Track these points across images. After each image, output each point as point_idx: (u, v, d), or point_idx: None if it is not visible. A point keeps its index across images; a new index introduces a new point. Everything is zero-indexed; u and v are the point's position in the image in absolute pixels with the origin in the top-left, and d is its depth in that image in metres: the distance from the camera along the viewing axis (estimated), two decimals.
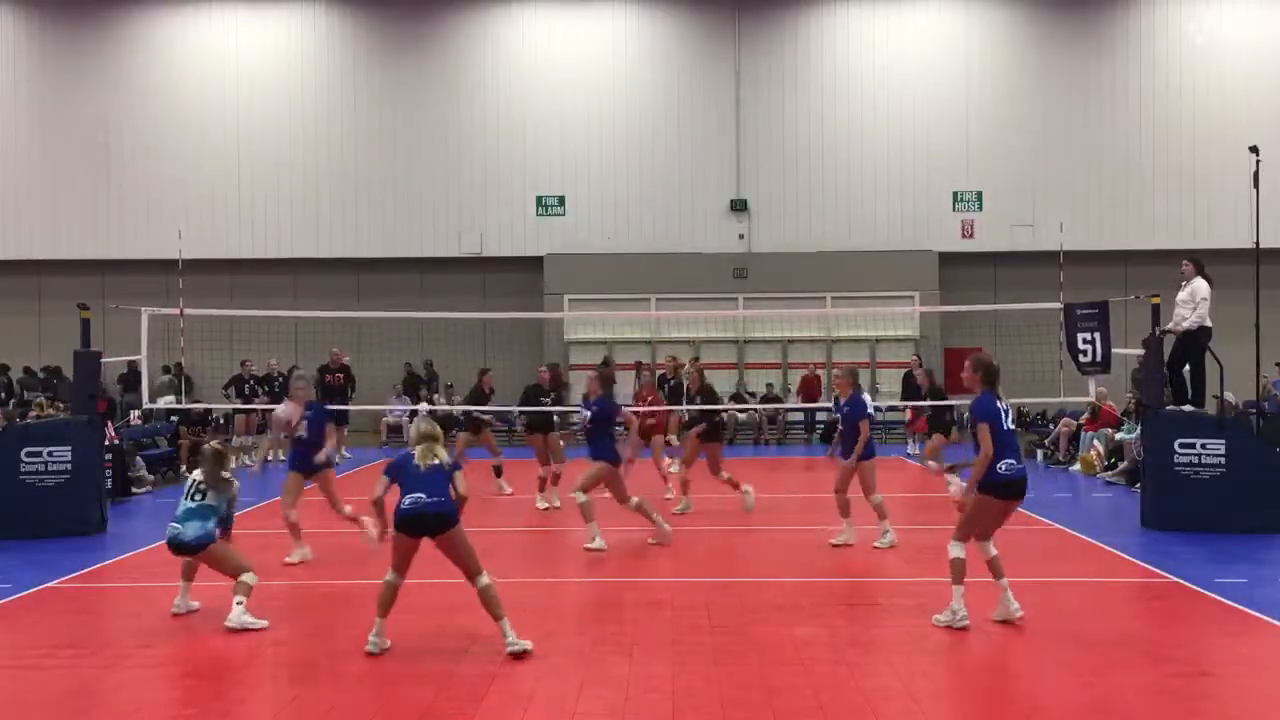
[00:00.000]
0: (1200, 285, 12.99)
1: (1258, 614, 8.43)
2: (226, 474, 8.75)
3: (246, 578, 8.38)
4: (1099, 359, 12.62)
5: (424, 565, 10.51)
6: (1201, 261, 13.44)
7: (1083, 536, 12.04)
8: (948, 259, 26.97)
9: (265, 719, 6.54)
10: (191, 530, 8.42)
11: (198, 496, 8.55)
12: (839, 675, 7.04)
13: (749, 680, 6.94)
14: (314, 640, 8.07)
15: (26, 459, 12.58)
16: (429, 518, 7.48)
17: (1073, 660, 7.33)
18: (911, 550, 11.16)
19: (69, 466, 12.65)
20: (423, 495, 7.49)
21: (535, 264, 27.25)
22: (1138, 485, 16.38)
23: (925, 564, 10.46)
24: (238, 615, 8.22)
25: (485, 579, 7.55)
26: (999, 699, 6.69)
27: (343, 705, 6.55)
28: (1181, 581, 9.61)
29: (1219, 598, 8.98)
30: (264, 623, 8.29)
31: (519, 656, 7.34)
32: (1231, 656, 7.62)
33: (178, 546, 8.50)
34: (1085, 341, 12.44)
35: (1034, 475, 18.16)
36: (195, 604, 8.83)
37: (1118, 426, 18.30)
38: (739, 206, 27.38)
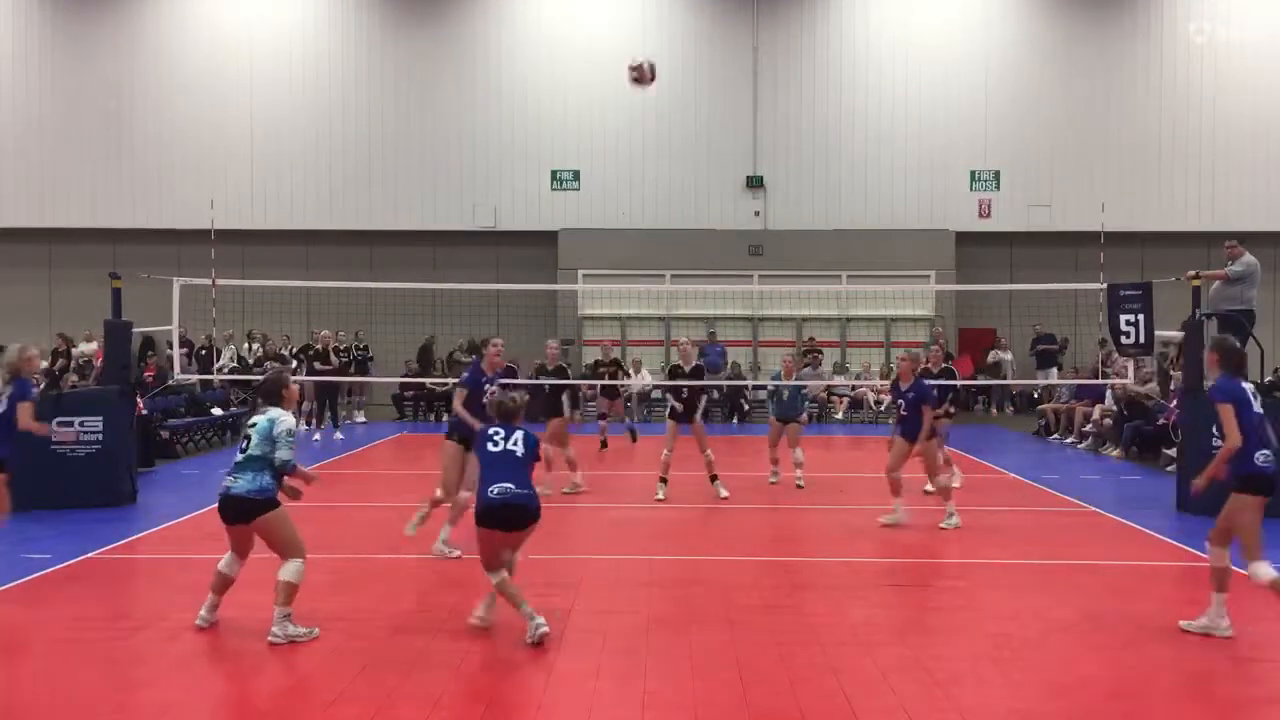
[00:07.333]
0: (1252, 262, 12.73)
1: None
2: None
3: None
4: (1141, 341, 12.59)
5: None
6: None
7: (1118, 518, 12.06)
8: (964, 238, 26.89)
9: (264, 708, 6.45)
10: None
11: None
12: (904, 658, 7.06)
13: (811, 659, 6.96)
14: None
15: (59, 429, 12.52)
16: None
17: (1105, 643, 7.38)
18: (959, 532, 11.20)
19: (101, 437, 12.61)
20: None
21: (549, 239, 27.14)
22: (1116, 452, 17.49)
23: (972, 545, 10.53)
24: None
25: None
26: (1032, 677, 6.68)
27: (344, 698, 6.36)
28: None
29: None
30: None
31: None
32: (1271, 640, 7.65)
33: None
34: (1128, 323, 12.39)
35: (1046, 453, 18.25)
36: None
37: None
38: (755, 183, 27.27)
